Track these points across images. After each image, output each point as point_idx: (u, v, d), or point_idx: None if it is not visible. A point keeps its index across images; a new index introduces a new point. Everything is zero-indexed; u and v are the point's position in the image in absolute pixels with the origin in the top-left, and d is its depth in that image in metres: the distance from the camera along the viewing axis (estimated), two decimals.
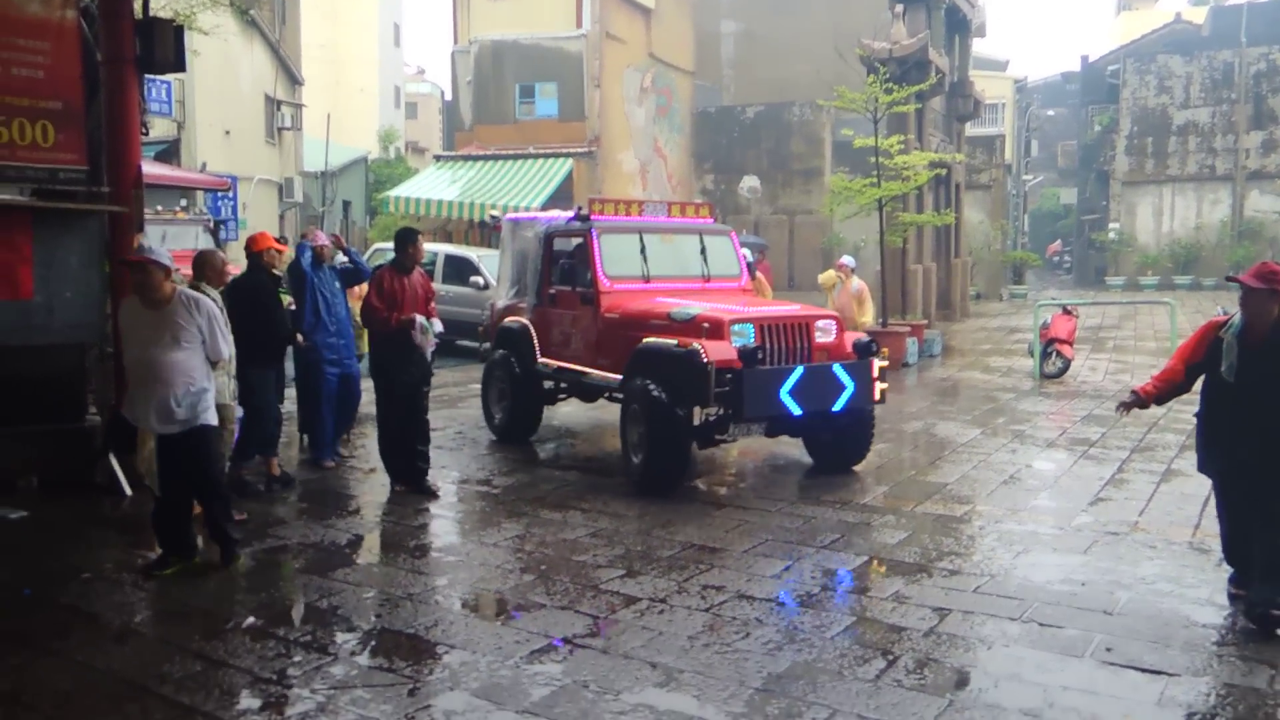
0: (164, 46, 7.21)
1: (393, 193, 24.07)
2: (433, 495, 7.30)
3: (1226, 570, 5.62)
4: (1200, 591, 5.29)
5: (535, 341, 8.92)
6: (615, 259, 8.25)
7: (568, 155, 23.47)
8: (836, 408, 7.34)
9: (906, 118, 19.11)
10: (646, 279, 8.32)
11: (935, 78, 19.86)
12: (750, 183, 27.03)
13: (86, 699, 4.05)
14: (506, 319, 9.39)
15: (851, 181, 17.75)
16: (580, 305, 8.31)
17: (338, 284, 8.24)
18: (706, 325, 7.23)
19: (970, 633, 4.75)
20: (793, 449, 8.69)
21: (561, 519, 6.77)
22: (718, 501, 7.28)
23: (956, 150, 25.17)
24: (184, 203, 21.72)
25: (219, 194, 21.11)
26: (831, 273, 13.61)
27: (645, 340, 7.43)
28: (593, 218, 8.43)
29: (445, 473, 8.05)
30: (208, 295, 6.38)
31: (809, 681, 4.20)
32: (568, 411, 11.21)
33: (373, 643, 4.67)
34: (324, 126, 29.57)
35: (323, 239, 8.20)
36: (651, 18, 26.74)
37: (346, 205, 33.62)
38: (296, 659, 4.44)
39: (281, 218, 26.98)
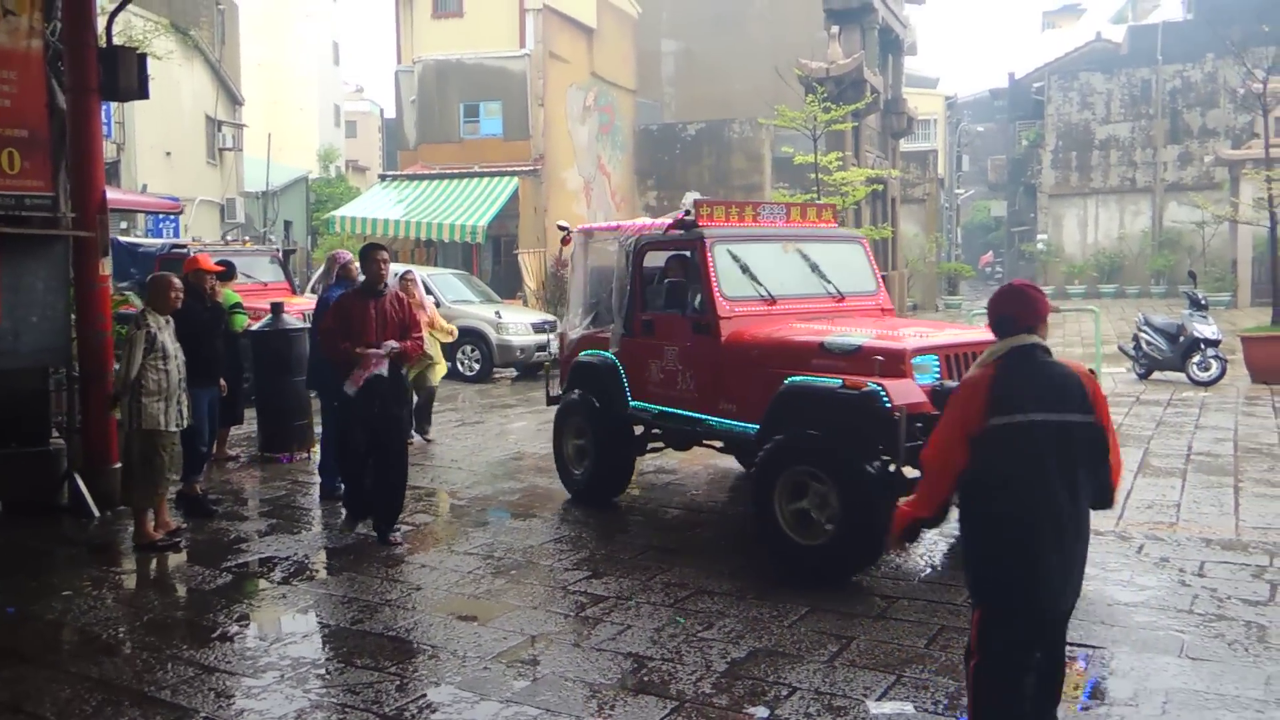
0: (128, 74, 7.37)
1: (337, 212, 24.11)
2: (394, 545, 6.53)
3: (1146, 555, 6.12)
4: (1122, 575, 5.75)
5: (625, 380, 7.37)
6: (732, 276, 6.73)
7: (513, 174, 23.74)
8: None
9: (844, 135, 19.81)
10: (771, 300, 6.78)
11: (870, 96, 20.58)
12: (693, 199, 27.55)
13: (86, 705, 4.23)
14: (583, 353, 7.82)
15: (792, 197, 18.35)
16: (690, 335, 6.78)
17: None
18: (880, 358, 5.57)
19: (916, 616, 5.14)
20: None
21: (526, 527, 7.06)
22: (670, 507, 7.62)
23: (891, 166, 26.01)
24: (124, 225, 21.54)
25: (161, 216, 20.96)
26: None
27: (791, 379, 5.90)
28: (701, 224, 6.91)
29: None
30: (153, 321, 6.50)
31: (770, 664, 4.55)
32: (520, 426, 11.48)
33: (356, 645, 4.90)
34: (264, 146, 29.45)
35: (347, 256, 7.98)
36: (593, 37, 27.18)
37: (288, 225, 33.42)
38: (286, 662, 4.67)
39: (224, 240, 26.76)
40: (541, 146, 24.56)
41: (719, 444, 7.65)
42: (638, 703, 4.19)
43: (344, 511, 7.20)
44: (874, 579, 5.78)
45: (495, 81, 24.61)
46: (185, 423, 6.71)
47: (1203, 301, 13.71)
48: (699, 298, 6.79)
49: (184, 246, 14.98)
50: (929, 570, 5.95)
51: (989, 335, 6.27)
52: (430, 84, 24.87)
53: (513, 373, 16.16)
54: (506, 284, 22.89)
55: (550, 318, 17.08)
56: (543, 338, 15.69)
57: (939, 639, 4.83)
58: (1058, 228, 35.60)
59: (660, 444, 7.95)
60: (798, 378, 5.89)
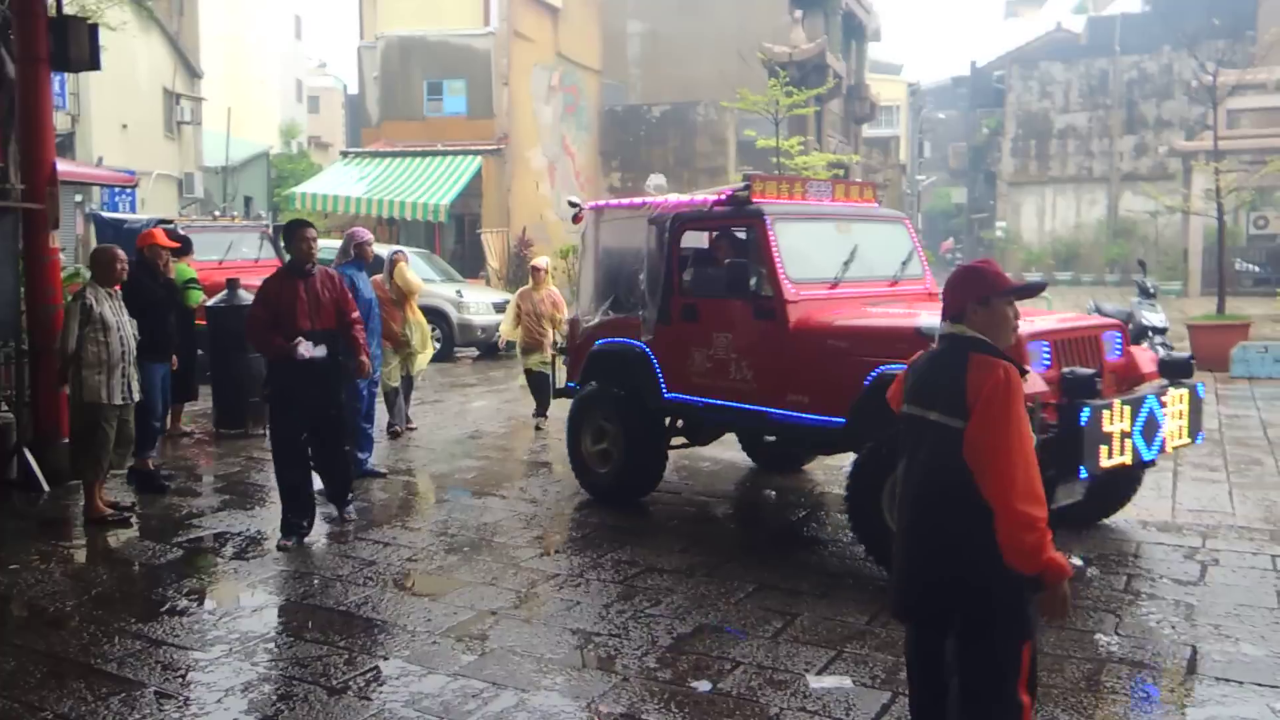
0: (79, 45, 7.26)
1: (298, 189, 23.87)
2: (347, 521, 6.51)
3: (1085, 536, 6.29)
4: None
5: (659, 370, 6.82)
6: (794, 256, 6.26)
7: (476, 152, 23.62)
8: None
9: (806, 119, 19.91)
10: (833, 283, 6.36)
11: (833, 81, 20.71)
12: (656, 181, 27.43)
13: (31, 678, 4.23)
14: (602, 341, 7.26)
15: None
16: (749, 320, 6.28)
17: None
18: None
19: (859, 594, 5.26)
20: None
21: (481, 504, 7.11)
22: None
23: (854, 151, 26.19)
24: (79, 198, 21.15)
25: (116, 190, 20.60)
26: None
27: (884, 368, 5.41)
28: (755, 200, 6.40)
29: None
30: (91, 293, 6.44)
31: (715, 640, 4.65)
32: (480, 405, 11.51)
33: (306, 619, 4.93)
34: (224, 120, 28.99)
35: (366, 235, 7.76)
36: (559, 16, 27.02)
37: (248, 201, 32.79)
38: (234, 636, 4.69)
39: (182, 214, 26.39)
40: (505, 126, 24.44)
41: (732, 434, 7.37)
42: (583, 676, 4.27)
43: (282, 524, 6.23)
44: (820, 557, 5.90)
45: (459, 59, 24.43)
46: (135, 397, 6.66)
47: (1151, 290, 14.01)
48: (755, 280, 6.25)
49: (171, 222, 14.76)
50: None
51: (1091, 320, 6.01)
52: (394, 60, 24.63)
53: (474, 352, 16.15)
54: (469, 263, 22.79)
55: (511, 297, 17.04)
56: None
57: (880, 616, 4.95)
58: (1016, 215, 36.07)
59: (684, 439, 7.50)
60: (891, 366, 5.31)
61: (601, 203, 7.59)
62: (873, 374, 5.50)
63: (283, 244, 6.24)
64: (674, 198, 7.20)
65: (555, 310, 9.90)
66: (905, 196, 38.27)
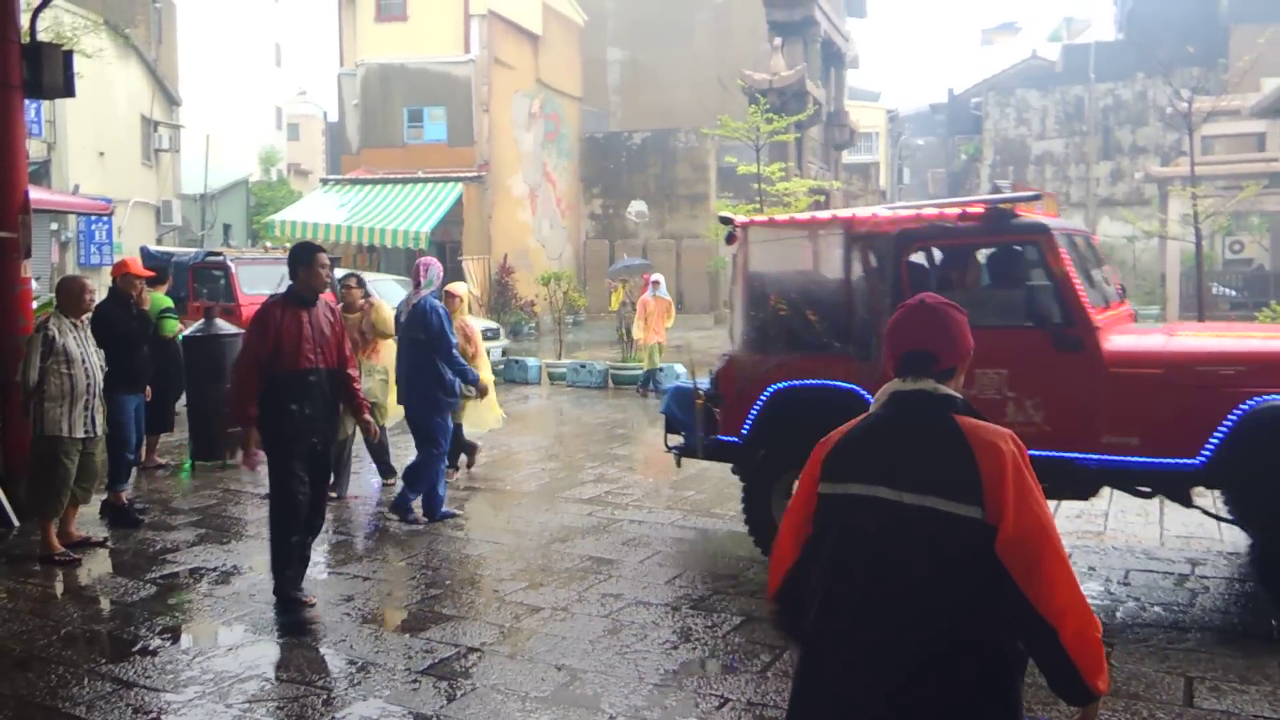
0: (53, 71, 7.17)
1: (278, 216, 23.75)
2: (307, 606, 5.44)
3: (1074, 564, 6.23)
4: None
5: None
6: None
7: (457, 179, 23.59)
8: None
9: (787, 146, 19.98)
10: (1103, 306, 5.70)
11: (813, 108, 20.82)
12: (638, 207, 27.61)
13: None
14: (781, 384, 6.07)
15: (735, 207, 18.45)
16: (1044, 354, 5.42)
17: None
18: None
19: None
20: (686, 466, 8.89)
21: (464, 537, 6.98)
22: (611, 518, 7.59)
23: (834, 177, 26.33)
24: (54, 227, 20.96)
25: (93, 218, 20.43)
26: None
27: (1264, 398, 5.00)
28: (1022, 214, 5.72)
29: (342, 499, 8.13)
30: (54, 324, 6.30)
31: (702, 676, 4.55)
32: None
33: (284, 658, 4.80)
34: (202, 147, 28.86)
35: (438, 269, 7.46)
36: (539, 44, 27.14)
37: (227, 229, 32.79)
38: (209, 677, 4.55)
39: (159, 243, 26.19)
40: (486, 153, 24.45)
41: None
42: (568, 716, 4.15)
43: (279, 582, 5.53)
44: None
45: (440, 87, 24.46)
46: (98, 431, 6.50)
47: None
48: (1045, 306, 5.45)
49: (219, 254, 14.68)
50: None
51: None
52: (374, 88, 24.63)
53: None
54: None
55: (494, 325, 16.94)
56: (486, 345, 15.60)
57: None
58: None
59: None
60: (1270, 396, 4.99)
61: (762, 219, 6.62)
62: (1245, 406, 5.04)
63: (290, 270, 5.58)
64: (879, 211, 6.19)
65: (467, 344, 8.36)
66: None
